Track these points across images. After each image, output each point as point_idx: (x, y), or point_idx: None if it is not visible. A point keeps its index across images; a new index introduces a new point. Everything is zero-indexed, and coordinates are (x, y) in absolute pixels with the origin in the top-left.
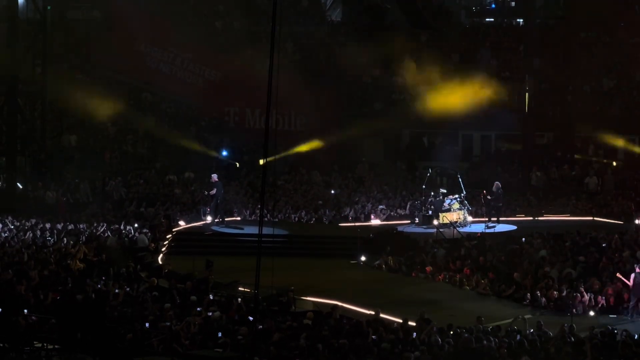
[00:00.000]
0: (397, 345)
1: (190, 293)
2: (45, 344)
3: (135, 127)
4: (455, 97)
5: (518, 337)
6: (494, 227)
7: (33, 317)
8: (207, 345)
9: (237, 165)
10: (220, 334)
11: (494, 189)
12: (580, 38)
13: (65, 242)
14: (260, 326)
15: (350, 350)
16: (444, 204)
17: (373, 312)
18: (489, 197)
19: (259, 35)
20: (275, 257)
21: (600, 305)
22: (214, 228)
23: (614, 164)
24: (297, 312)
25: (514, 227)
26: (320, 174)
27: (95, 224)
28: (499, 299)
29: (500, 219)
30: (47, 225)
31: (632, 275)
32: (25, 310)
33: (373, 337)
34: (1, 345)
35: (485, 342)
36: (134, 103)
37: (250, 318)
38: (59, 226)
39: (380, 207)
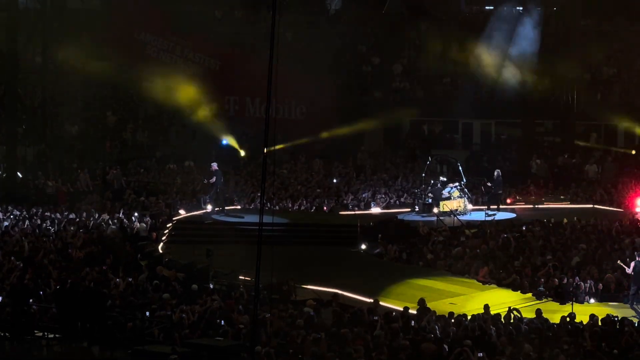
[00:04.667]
0: (397, 333)
1: (190, 282)
2: (45, 333)
3: (135, 116)
4: None
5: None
6: (494, 215)
7: (34, 306)
8: (207, 334)
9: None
10: (221, 323)
11: (494, 176)
12: (580, 25)
13: (65, 231)
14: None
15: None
16: (444, 192)
17: (372, 301)
18: (489, 184)
19: (259, 24)
20: (275, 246)
21: (600, 293)
22: (214, 217)
23: (614, 149)
24: (297, 300)
25: (514, 215)
26: (320, 162)
27: (95, 213)
28: (499, 286)
29: (500, 207)
30: (48, 214)
31: (632, 264)
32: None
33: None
34: (2, 334)
35: (486, 330)
36: (134, 92)
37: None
38: (59, 215)
39: (380, 196)
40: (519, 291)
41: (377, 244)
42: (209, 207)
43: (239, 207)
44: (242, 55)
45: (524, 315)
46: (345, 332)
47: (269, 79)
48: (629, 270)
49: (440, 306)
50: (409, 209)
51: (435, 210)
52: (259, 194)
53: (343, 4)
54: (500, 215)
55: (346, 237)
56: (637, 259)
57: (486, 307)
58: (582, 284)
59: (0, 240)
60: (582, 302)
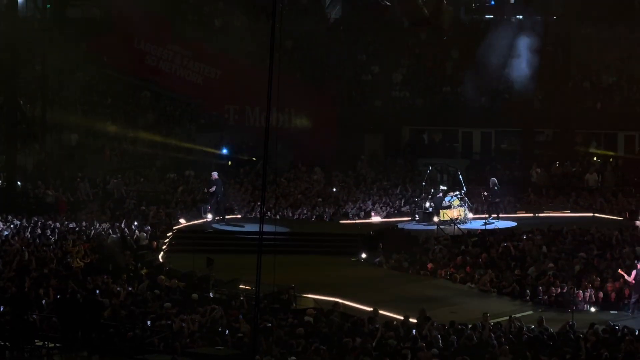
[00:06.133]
0: (399, 342)
1: (190, 291)
2: (46, 342)
3: (135, 125)
4: None
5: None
6: (492, 223)
7: (34, 316)
8: (208, 343)
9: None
10: (224, 332)
11: (490, 185)
12: (580, 33)
13: (65, 240)
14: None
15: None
16: (444, 201)
17: (372, 309)
18: (485, 194)
19: (259, 33)
20: (276, 255)
21: (601, 302)
22: (215, 226)
23: (612, 159)
24: (298, 309)
25: (515, 224)
26: (321, 171)
27: (95, 222)
28: (500, 295)
29: (500, 215)
30: (48, 224)
31: (634, 272)
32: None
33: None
34: (2, 343)
35: (487, 338)
36: (133, 101)
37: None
38: (59, 225)
39: (380, 205)
40: (520, 300)
41: (377, 253)
42: (209, 216)
43: (239, 216)
44: (241, 64)
45: (524, 324)
46: (347, 341)
47: (268, 87)
48: (630, 279)
49: (441, 315)
50: (410, 218)
51: (436, 219)
52: (259, 203)
53: (343, 12)
54: (501, 224)
55: (347, 246)
56: (638, 267)
57: (485, 315)
58: (582, 292)
59: (0, 249)
60: (581, 311)
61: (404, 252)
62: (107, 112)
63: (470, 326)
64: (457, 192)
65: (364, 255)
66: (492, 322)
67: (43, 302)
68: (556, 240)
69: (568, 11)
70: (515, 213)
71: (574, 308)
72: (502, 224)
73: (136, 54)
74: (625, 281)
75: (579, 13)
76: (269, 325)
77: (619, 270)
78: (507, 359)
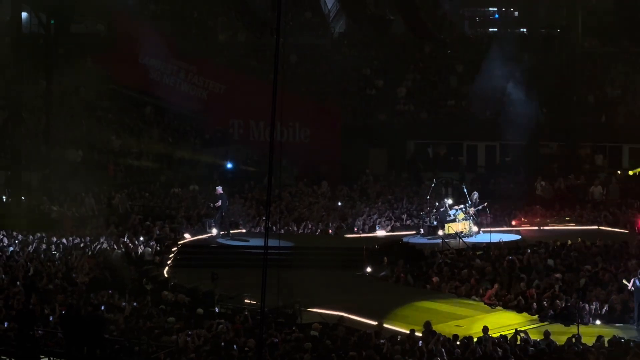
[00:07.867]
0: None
1: (196, 306)
2: (51, 358)
3: (139, 141)
4: None
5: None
6: (465, 237)
7: (40, 331)
8: (213, 357)
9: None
10: (231, 346)
11: (473, 198)
12: (584, 47)
13: (70, 255)
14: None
15: None
16: (449, 215)
17: (377, 323)
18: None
19: (263, 48)
20: (281, 269)
21: (606, 314)
22: (220, 240)
23: (619, 172)
24: (303, 323)
25: (519, 237)
26: (325, 185)
27: (101, 238)
28: (505, 308)
29: (481, 230)
30: (53, 239)
31: (632, 280)
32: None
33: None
34: (8, 359)
35: (492, 352)
36: (138, 116)
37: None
38: (65, 240)
39: (384, 219)
40: (525, 313)
41: (382, 267)
42: (214, 231)
43: (244, 230)
44: (246, 78)
45: (529, 337)
46: (353, 355)
47: (273, 102)
48: (630, 286)
49: (446, 329)
50: (414, 232)
51: (441, 232)
52: (264, 218)
53: (347, 27)
54: (506, 237)
55: (351, 260)
56: (638, 276)
57: (485, 329)
58: (588, 305)
59: (5, 265)
60: (587, 324)
61: (408, 266)
62: (112, 127)
63: (475, 340)
64: (462, 206)
65: (368, 269)
66: (497, 335)
67: (51, 318)
68: (561, 253)
69: (572, 25)
70: (521, 226)
71: (579, 321)
72: (507, 237)
73: (140, 69)
74: (630, 293)
75: (584, 26)
76: (276, 340)
77: (623, 281)
78: None
